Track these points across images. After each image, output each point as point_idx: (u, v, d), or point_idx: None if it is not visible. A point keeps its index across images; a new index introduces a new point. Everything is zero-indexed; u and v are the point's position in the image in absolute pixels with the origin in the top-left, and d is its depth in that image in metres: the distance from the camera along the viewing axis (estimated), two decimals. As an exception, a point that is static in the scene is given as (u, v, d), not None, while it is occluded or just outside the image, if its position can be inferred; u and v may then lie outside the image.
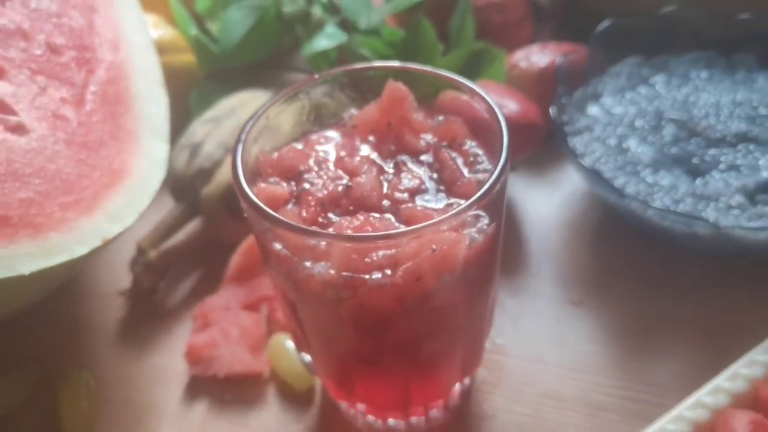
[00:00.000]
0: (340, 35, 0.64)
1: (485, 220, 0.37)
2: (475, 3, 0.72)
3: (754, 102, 0.58)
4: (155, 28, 0.67)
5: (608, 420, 0.48)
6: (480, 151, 0.42)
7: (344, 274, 0.36)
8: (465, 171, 0.41)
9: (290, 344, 0.51)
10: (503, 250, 0.44)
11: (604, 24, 0.63)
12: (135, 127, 0.53)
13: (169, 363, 0.53)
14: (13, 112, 0.46)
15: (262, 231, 0.38)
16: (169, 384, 0.52)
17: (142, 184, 0.50)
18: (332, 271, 0.36)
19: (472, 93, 0.42)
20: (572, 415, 0.48)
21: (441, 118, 0.43)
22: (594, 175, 0.53)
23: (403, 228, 0.36)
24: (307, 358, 0.47)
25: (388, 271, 0.36)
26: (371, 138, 0.43)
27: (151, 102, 0.55)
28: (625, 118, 0.59)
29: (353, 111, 0.45)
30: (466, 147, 0.42)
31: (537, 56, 0.65)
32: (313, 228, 0.36)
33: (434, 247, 0.35)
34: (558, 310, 0.54)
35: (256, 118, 0.41)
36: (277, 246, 0.37)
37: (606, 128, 0.58)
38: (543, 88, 0.63)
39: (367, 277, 0.36)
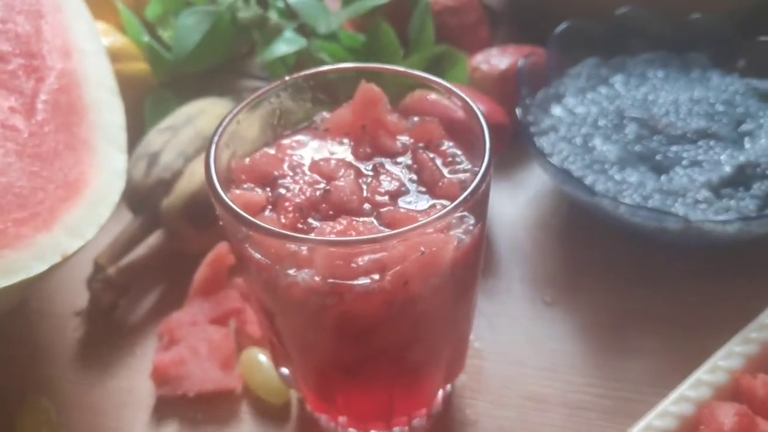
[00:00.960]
0: (299, 40, 0.63)
1: (471, 221, 0.37)
2: (432, 6, 0.72)
3: (711, 99, 0.59)
4: (105, 36, 0.65)
5: (588, 419, 0.47)
6: (458, 151, 0.41)
7: (330, 280, 0.35)
8: (445, 171, 0.40)
9: (263, 358, 0.49)
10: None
11: (562, 26, 0.64)
12: (90, 136, 0.50)
13: (134, 384, 0.50)
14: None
15: (240, 239, 0.37)
16: (135, 407, 0.49)
17: (102, 196, 0.48)
18: (317, 278, 0.35)
19: (448, 92, 0.41)
20: (553, 416, 0.48)
21: (416, 119, 0.43)
22: (563, 174, 0.53)
23: (391, 231, 0.35)
24: (284, 371, 0.45)
25: (376, 276, 0.34)
26: (345, 141, 0.42)
27: (106, 111, 0.53)
28: (588, 118, 0.59)
29: (325, 114, 0.44)
30: (443, 147, 0.41)
31: (497, 59, 0.65)
32: (296, 234, 0.35)
33: (423, 249, 0.34)
34: (531, 311, 0.54)
35: (226, 124, 0.40)
36: (256, 254, 0.36)
37: (570, 128, 0.59)
38: (505, 90, 0.63)
39: (353, 283, 0.34)
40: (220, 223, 0.38)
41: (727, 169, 0.53)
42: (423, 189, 0.39)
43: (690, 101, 0.60)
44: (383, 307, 0.36)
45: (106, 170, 0.49)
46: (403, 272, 0.34)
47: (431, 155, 0.41)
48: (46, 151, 0.46)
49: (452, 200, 0.36)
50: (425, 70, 0.62)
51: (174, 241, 0.56)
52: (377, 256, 0.34)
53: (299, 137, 0.43)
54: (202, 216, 0.56)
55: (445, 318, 0.40)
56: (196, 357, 0.50)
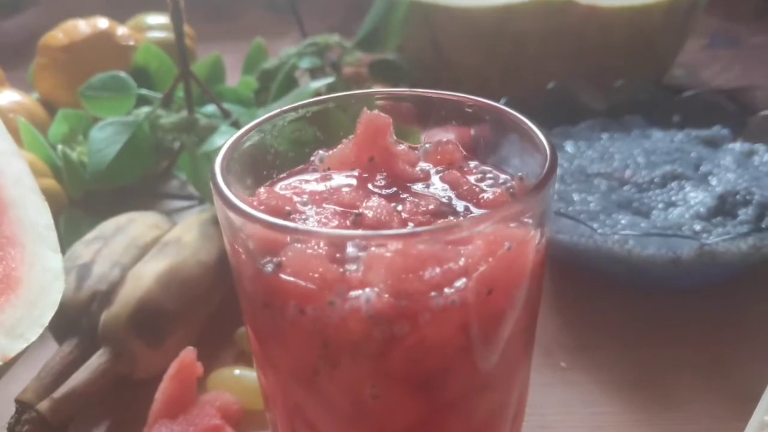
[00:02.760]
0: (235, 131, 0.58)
1: (542, 223, 0.31)
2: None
3: (662, 149, 0.60)
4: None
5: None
6: (487, 168, 0.37)
7: (401, 299, 0.27)
8: (483, 186, 0.35)
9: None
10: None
11: (501, 102, 0.63)
12: (16, 233, 0.41)
13: None
14: None
15: (270, 267, 0.29)
16: None
17: (39, 295, 0.38)
18: (385, 296, 0.27)
19: (472, 104, 0.38)
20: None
21: (427, 145, 0.38)
22: (560, 218, 0.49)
23: (475, 212, 0.28)
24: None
25: (458, 283, 0.28)
26: (354, 177, 0.36)
27: (29, 209, 0.44)
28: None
29: (322, 152, 0.38)
30: (470, 167, 0.37)
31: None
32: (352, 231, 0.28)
33: (508, 244, 0.28)
34: (554, 377, 0.48)
35: (227, 150, 0.33)
36: (297, 280, 0.28)
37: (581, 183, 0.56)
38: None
39: (430, 296, 0.27)
40: (230, 260, 0.30)
41: (710, 200, 0.52)
42: (467, 204, 0.33)
43: (644, 152, 0.60)
44: (461, 333, 0.29)
45: (39, 268, 0.40)
46: (489, 275, 0.28)
47: (458, 175, 0.36)
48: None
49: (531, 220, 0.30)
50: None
51: (120, 363, 0.45)
52: (453, 260, 0.28)
53: (299, 177, 0.37)
54: (154, 327, 0.46)
55: (519, 352, 0.33)
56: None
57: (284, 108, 0.37)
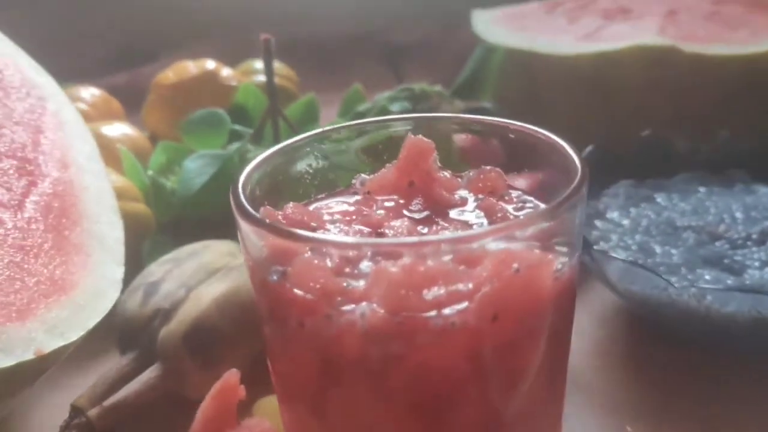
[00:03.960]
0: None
1: (564, 249, 0.29)
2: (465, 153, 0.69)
3: (767, 204, 0.55)
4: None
5: None
6: (530, 197, 0.35)
7: (397, 316, 0.26)
8: (520, 214, 0.33)
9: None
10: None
11: (587, 150, 0.61)
12: (83, 242, 0.43)
13: None
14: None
15: (276, 275, 0.28)
16: None
17: (91, 300, 0.40)
18: (381, 311, 0.26)
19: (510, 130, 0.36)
20: None
21: (471, 173, 0.37)
22: (632, 269, 0.46)
23: (483, 227, 0.27)
24: None
25: (457, 306, 0.26)
26: (392, 202, 0.36)
27: (103, 224, 0.47)
28: (639, 227, 0.54)
29: (364, 176, 0.38)
30: (511, 196, 0.35)
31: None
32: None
33: (516, 266, 0.26)
34: (616, 440, 0.44)
35: (257, 163, 0.34)
36: (298, 291, 0.28)
37: (623, 237, 0.53)
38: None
39: (428, 315, 0.26)
40: (245, 262, 0.30)
41: (812, 262, 0.47)
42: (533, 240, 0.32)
43: (744, 208, 0.55)
44: (464, 358, 0.27)
45: (99, 276, 0.42)
46: (493, 297, 0.26)
47: (494, 202, 0.34)
48: (30, 245, 0.39)
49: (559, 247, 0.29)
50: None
51: (170, 380, 0.46)
52: (457, 277, 0.26)
53: (337, 198, 0.36)
54: (205, 347, 0.47)
55: (542, 392, 0.30)
56: None
57: (326, 129, 0.38)
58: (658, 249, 0.51)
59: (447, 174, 0.36)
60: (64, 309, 0.37)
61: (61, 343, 0.36)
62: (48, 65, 0.57)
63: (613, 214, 0.56)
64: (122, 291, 0.49)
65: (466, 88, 0.79)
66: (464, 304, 0.26)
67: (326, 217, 0.33)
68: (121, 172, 0.65)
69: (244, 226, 0.29)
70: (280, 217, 0.32)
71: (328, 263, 0.29)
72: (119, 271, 0.44)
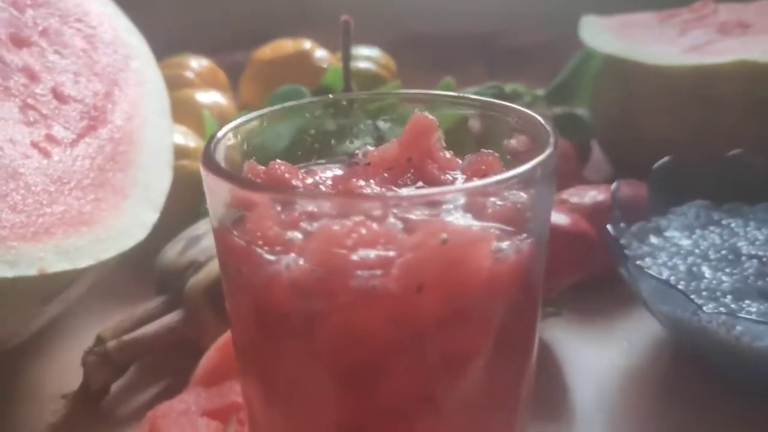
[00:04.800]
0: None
1: (511, 228, 0.28)
2: (515, 156, 0.68)
3: None
4: (183, 136, 0.64)
5: None
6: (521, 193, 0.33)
7: (318, 271, 0.26)
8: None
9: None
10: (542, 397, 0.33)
11: (663, 161, 0.57)
12: (124, 186, 0.46)
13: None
14: (-15, 127, 0.41)
15: (229, 220, 0.29)
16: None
17: (112, 236, 0.42)
18: (305, 265, 0.26)
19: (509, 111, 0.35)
20: None
21: (471, 155, 0.36)
22: (662, 287, 0.42)
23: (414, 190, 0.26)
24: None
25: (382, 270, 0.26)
26: (386, 175, 0.35)
27: (151, 174, 0.50)
28: (696, 250, 0.50)
29: (369, 148, 0.38)
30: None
31: (591, 193, 0.58)
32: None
33: (445, 236, 0.25)
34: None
35: (250, 117, 0.35)
36: (241, 240, 0.28)
37: (673, 257, 0.49)
38: (595, 224, 0.55)
39: (350, 275, 0.26)
40: (207, 207, 0.31)
41: None
42: (468, 214, 0.31)
43: (827, 245, 0.49)
44: (389, 324, 0.26)
45: (129, 217, 0.45)
46: (416, 267, 0.25)
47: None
48: (68, 180, 0.43)
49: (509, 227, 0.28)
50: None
51: (188, 326, 0.49)
52: (385, 240, 0.26)
53: (334, 166, 0.37)
54: (224, 300, 0.49)
55: (480, 378, 0.29)
56: (175, 451, 0.40)
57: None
58: (708, 273, 0.47)
59: (448, 154, 0.36)
60: (82, 239, 0.40)
61: (68, 267, 0.38)
62: (174, 42, 0.61)
63: (673, 233, 0.52)
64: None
65: (560, 93, 0.76)
66: (388, 270, 0.26)
67: (309, 180, 0.34)
68: (204, 135, 0.69)
69: (204, 173, 0.30)
70: (261, 173, 0.33)
71: (283, 217, 0.29)
72: (152, 217, 0.46)
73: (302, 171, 0.35)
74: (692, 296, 0.44)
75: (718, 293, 0.44)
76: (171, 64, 0.80)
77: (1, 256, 0.35)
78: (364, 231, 0.27)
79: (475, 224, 0.27)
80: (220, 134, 0.32)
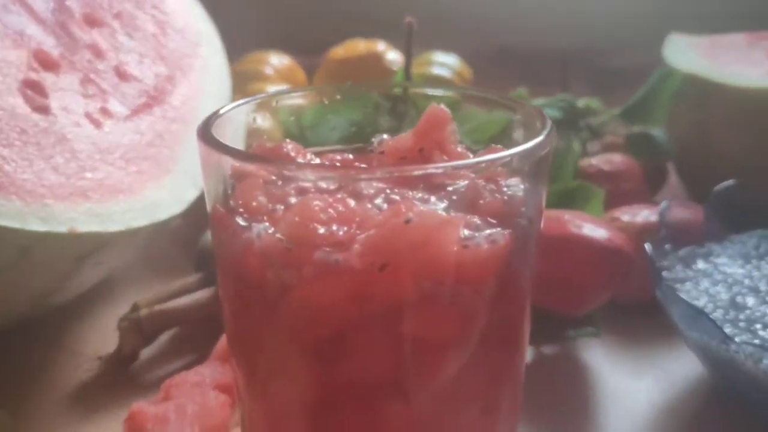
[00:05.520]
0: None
1: (485, 219, 0.27)
2: (584, 170, 0.66)
3: None
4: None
5: None
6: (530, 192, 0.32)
7: (286, 241, 0.26)
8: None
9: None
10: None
11: (724, 185, 0.53)
12: (169, 163, 0.49)
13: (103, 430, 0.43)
14: (44, 95, 0.44)
15: (221, 192, 0.30)
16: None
17: (147, 206, 0.45)
18: (276, 235, 0.27)
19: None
20: None
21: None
22: (693, 313, 0.40)
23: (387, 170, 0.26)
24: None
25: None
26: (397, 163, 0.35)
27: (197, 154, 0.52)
28: (746, 281, 0.46)
29: (385, 137, 0.38)
30: (512, 182, 0.33)
31: (645, 212, 0.56)
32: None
33: (410, 216, 0.25)
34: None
35: (261, 97, 0.36)
36: (222, 207, 0.29)
37: (717, 284, 0.46)
38: (644, 243, 0.53)
39: (317, 247, 0.26)
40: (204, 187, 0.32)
41: None
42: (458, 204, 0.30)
43: None
44: (351, 302, 0.26)
45: (168, 191, 0.47)
46: (377, 244, 0.25)
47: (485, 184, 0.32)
48: (113, 150, 0.45)
49: (494, 222, 0.27)
50: (555, 204, 0.55)
51: (216, 303, 0.50)
52: (352, 216, 0.26)
53: (345, 153, 0.37)
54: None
55: (454, 375, 0.28)
56: (180, 418, 0.41)
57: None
58: (751, 304, 0.43)
59: (460, 148, 0.35)
60: (117, 205, 0.42)
61: (98, 229, 0.40)
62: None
63: (723, 260, 0.49)
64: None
65: (636, 111, 0.73)
66: (351, 246, 0.26)
67: (316, 161, 0.34)
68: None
69: (199, 145, 0.31)
70: (267, 150, 0.34)
71: (273, 191, 0.30)
72: (192, 194, 0.48)
73: (311, 152, 0.36)
74: (727, 326, 0.41)
75: (757, 326, 0.41)
76: (252, 59, 0.83)
77: (35, 212, 0.38)
78: (340, 207, 0.27)
79: (445, 208, 0.26)
80: (222, 111, 0.33)
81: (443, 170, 0.27)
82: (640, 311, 0.51)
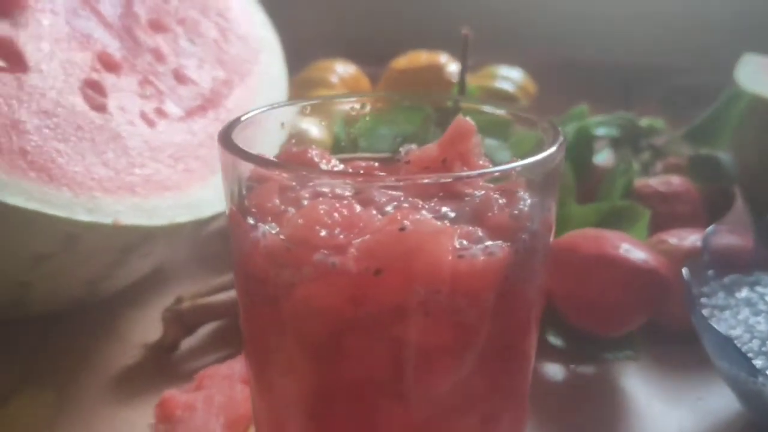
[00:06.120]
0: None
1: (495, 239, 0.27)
2: (640, 190, 0.64)
3: None
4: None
5: None
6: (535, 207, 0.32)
7: (287, 242, 0.27)
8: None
9: None
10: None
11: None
12: (216, 166, 0.50)
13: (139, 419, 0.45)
14: (103, 95, 0.47)
15: (237, 191, 0.31)
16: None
17: (192, 203, 0.47)
18: (280, 236, 0.28)
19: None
20: None
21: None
22: (722, 343, 0.39)
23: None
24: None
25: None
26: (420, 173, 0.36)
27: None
28: (791, 314, 0.45)
29: (412, 146, 0.38)
30: (519, 196, 0.33)
31: (693, 237, 0.54)
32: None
33: (406, 224, 0.26)
34: None
35: (295, 100, 0.37)
36: (233, 206, 0.30)
37: (760, 314, 0.44)
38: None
39: (316, 250, 0.27)
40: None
41: None
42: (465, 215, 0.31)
43: None
44: (349, 304, 0.27)
45: (214, 191, 0.49)
46: (372, 249, 0.26)
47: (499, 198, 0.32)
48: (164, 149, 0.47)
49: (496, 235, 0.27)
50: (600, 222, 0.54)
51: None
52: (350, 222, 0.27)
53: (372, 161, 0.38)
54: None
55: (452, 384, 0.29)
56: (207, 408, 0.43)
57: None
58: (790, 336, 0.42)
59: (485, 162, 0.36)
60: (162, 201, 0.45)
61: (141, 222, 0.43)
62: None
63: (769, 291, 0.47)
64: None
65: (700, 132, 0.71)
66: (348, 250, 0.26)
67: (337, 168, 0.35)
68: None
69: (220, 151, 0.32)
70: (293, 155, 0.35)
71: (291, 195, 0.31)
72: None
73: (338, 159, 0.37)
74: (761, 358, 0.40)
75: (794, 358, 0.40)
76: (319, 67, 0.85)
77: (83, 203, 0.41)
78: (345, 212, 0.28)
79: (451, 219, 0.27)
80: (243, 118, 0.35)
81: (432, 180, 0.27)
82: (682, 338, 0.50)
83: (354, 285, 0.27)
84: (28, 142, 0.40)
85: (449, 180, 0.28)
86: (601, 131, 0.68)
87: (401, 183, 0.28)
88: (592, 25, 1.09)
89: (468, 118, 0.36)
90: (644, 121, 0.73)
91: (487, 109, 0.40)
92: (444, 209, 0.30)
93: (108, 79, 0.48)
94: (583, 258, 0.47)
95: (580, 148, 0.66)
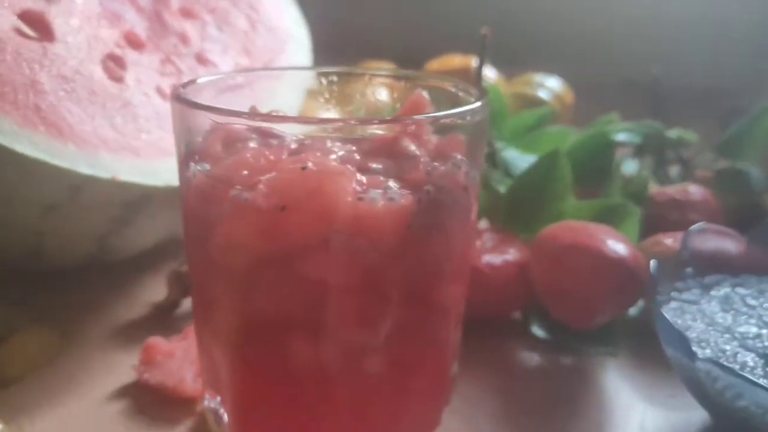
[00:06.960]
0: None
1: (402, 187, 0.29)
2: (655, 197, 0.64)
3: None
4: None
5: None
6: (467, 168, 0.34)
7: (212, 177, 0.30)
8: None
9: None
10: None
11: None
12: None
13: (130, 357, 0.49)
14: (123, 68, 0.51)
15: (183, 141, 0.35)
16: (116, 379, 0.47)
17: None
18: (208, 168, 0.31)
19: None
20: None
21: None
22: (667, 327, 0.39)
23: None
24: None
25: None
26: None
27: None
28: (765, 317, 0.44)
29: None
30: (453, 161, 0.35)
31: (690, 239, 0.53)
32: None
33: (309, 164, 0.28)
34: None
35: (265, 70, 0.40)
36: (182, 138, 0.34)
37: (729, 311, 0.44)
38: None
39: (233, 186, 0.30)
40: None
41: None
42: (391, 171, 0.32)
43: None
44: (261, 239, 0.29)
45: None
46: (276, 186, 0.28)
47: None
48: (165, 119, 0.51)
49: (406, 186, 0.29)
50: (593, 218, 0.54)
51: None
52: (264, 163, 0.29)
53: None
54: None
55: (358, 333, 0.30)
56: (185, 356, 0.46)
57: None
58: (753, 331, 0.41)
59: (432, 136, 0.37)
60: (163, 164, 0.48)
61: (138, 181, 0.47)
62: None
63: (750, 291, 0.46)
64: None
65: (731, 145, 0.70)
66: (257, 186, 0.29)
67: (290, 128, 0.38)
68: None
69: (173, 105, 0.35)
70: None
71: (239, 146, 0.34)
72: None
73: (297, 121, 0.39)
74: (709, 348, 0.39)
75: (747, 354, 0.39)
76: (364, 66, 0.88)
77: (85, 158, 0.45)
78: (271, 157, 0.30)
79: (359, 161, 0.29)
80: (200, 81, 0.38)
81: (358, 122, 0.29)
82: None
83: (264, 220, 0.29)
84: (43, 100, 0.45)
85: (353, 124, 0.30)
86: (621, 137, 0.68)
87: (306, 123, 0.30)
88: (650, 47, 1.08)
89: (425, 93, 0.38)
90: (673, 132, 0.72)
91: (437, 83, 0.41)
92: (374, 165, 0.32)
93: (130, 55, 0.52)
94: (558, 247, 0.48)
95: (595, 151, 0.66)
